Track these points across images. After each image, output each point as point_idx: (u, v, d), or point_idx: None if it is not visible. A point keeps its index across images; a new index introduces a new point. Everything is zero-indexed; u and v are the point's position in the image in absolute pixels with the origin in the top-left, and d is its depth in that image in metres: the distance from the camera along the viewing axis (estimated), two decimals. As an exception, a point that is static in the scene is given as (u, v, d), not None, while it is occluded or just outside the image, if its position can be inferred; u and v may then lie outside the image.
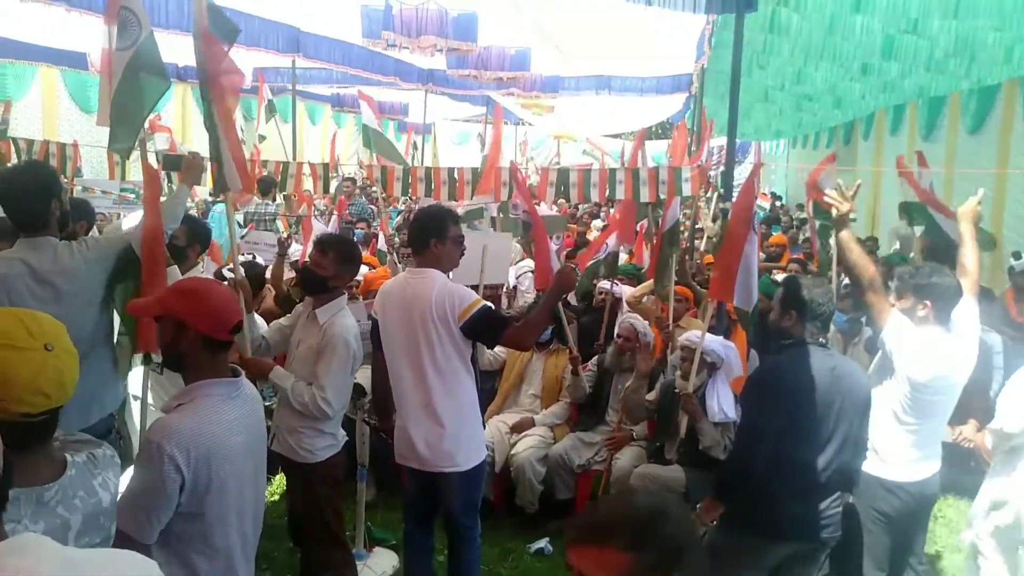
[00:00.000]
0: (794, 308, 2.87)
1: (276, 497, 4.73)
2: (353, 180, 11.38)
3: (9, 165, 4.24)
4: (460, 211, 4.99)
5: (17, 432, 1.45)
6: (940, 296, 3.03)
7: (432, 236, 3.18)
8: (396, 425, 3.31)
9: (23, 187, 2.91)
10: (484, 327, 3.11)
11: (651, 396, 4.37)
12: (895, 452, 3.07)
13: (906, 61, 7.74)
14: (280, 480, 4.79)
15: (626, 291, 6.04)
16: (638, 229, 6.28)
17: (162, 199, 3.30)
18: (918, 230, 5.48)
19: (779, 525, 2.84)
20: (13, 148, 4.70)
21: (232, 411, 2.11)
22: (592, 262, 5.60)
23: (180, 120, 14.24)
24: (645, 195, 4.53)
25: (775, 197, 19.38)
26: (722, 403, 3.91)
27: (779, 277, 6.31)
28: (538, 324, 3.30)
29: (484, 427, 3.34)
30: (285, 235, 4.94)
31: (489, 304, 3.24)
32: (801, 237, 11.42)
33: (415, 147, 14.61)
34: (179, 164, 3.65)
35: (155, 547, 2.00)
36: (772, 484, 2.78)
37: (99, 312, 3.01)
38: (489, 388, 5.05)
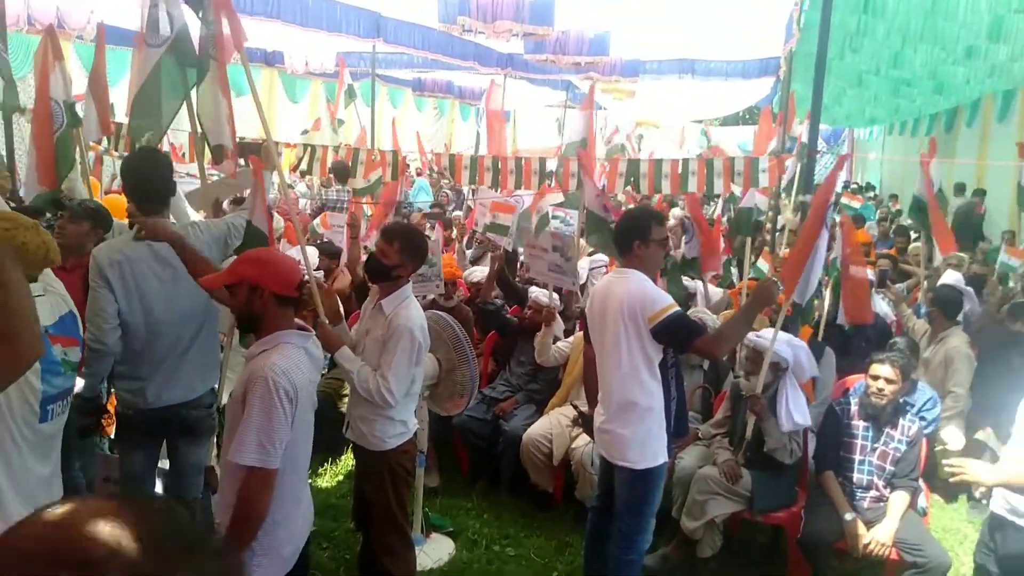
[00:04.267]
0: None
1: (340, 477, 4.83)
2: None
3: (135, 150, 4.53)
4: (535, 219, 4.94)
5: None
6: None
7: (636, 238, 3.23)
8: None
9: (148, 171, 3.10)
10: (675, 332, 3.10)
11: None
12: None
13: (1016, 43, 7.17)
14: (345, 460, 4.90)
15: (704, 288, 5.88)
16: (713, 218, 6.08)
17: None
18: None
19: None
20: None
21: (303, 355, 2.48)
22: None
23: (267, 105, 14.64)
24: (719, 186, 4.35)
25: (868, 188, 18.47)
26: (792, 410, 3.71)
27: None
28: (733, 336, 3.30)
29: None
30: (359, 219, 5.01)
31: (681, 309, 3.20)
32: (892, 231, 10.84)
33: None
34: (255, 150, 3.72)
35: None
36: None
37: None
38: (553, 379, 5.01)
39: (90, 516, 0.70)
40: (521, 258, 5.93)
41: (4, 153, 5.70)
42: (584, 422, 4.39)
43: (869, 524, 3.61)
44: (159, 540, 0.71)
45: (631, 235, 3.24)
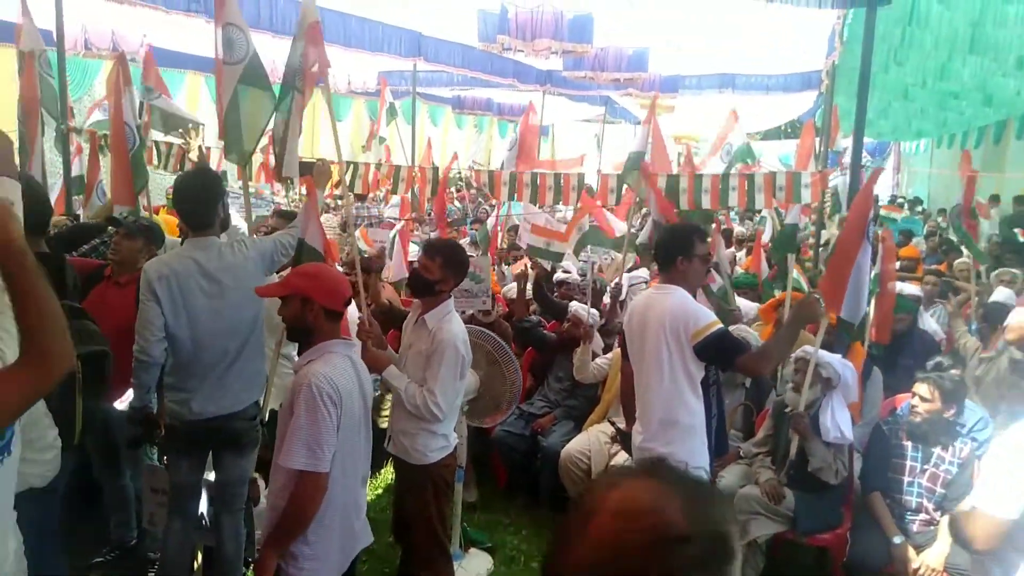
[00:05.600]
0: None
1: (379, 491, 4.87)
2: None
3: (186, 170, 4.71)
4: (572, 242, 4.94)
5: None
6: None
7: (678, 254, 3.20)
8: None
9: (195, 190, 3.21)
10: (718, 350, 3.07)
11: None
12: None
13: (1071, 53, 6.97)
14: (384, 475, 4.94)
15: (743, 304, 5.80)
16: (754, 233, 6.01)
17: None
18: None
19: None
20: (155, 152, 5.11)
21: (349, 364, 2.59)
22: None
23: (311, 123, 14.93)
24: (760, 202, 4.31)
25: (916, 202, 18.05)
26: (838, 421, 3.64)
27: (913, 289, 5.89)
28: (776, 353, 3.26)
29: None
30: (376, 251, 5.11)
31: (724, 327, 3.16)
32: (940, 246, 10.58)
33: (531, 148, 14.65)
34: (310, 169, 3.84)
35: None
36: None
37: (255, 306, 3.24)
38: (591, 395, 4.99)
39: (654, 499, 0.76)
40: (559, 275, 5.94)
41: (62, 173, 5.94)
42: (622, 439, 4.37)
43: (919, 548, 3.50)
44: (702, 501, 0.79)
45: (673, 250, 3.20)
